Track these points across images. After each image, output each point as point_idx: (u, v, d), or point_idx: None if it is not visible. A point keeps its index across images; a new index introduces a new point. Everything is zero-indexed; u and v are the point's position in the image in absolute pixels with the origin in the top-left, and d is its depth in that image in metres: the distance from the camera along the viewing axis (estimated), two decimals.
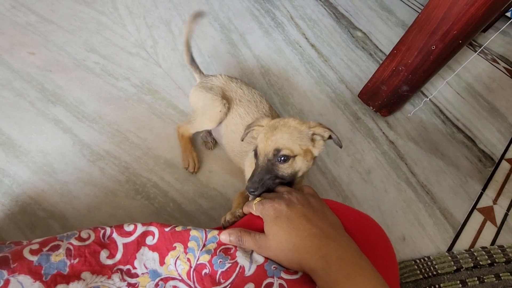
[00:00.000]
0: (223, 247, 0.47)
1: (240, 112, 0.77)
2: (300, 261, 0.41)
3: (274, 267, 0.43)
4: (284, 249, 0.42)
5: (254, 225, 0.49)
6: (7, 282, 0.40)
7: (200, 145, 0.88)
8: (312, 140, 0.58)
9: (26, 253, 0.43)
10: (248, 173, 0.69)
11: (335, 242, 0.41)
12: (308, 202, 0.47)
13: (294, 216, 0.43)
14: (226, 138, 0.79)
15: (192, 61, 0.89)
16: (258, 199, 0.50)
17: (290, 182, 0.58)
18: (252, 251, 0.46)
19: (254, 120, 0.68)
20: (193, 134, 0.85)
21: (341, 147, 0.60)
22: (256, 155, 0.58)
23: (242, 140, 0.68)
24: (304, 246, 0.41)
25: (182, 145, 0.84)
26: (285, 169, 0.55)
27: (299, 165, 0.56)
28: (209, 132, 0.87)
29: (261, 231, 0.46)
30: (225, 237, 0.47)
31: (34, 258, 0.43)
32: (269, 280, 0.42)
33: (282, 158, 0.54)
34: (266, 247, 0.44)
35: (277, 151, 0.54)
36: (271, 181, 0.54)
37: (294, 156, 0.55)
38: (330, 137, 0.59)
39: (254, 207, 0.49)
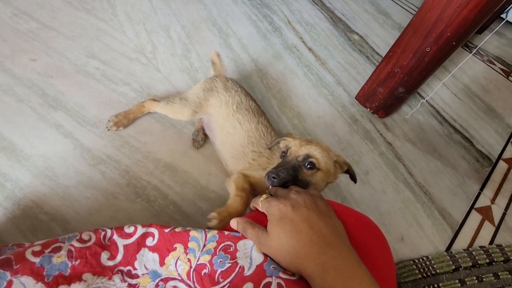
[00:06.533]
0: (222, 245, 0.47)
1: (238, 118, 0.80)
2: (298, 266, 0.42)
3: (273, 267, 0.44)
4: (284, 251, 0.43)
5: (262, 220, 0.50)
6: (10, 283, 0.41)
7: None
8: (334, 167, 0.63)
9: (28, 255, 0.44)
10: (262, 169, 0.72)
11: (335, 250, 0.41)
12: (315, 204, 0.46)
13: (298, 220, 0.43)
14: (221, 140, 0.82)
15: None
16: (264, 196, 0.50)
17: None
18: (252, 249, 0.46)
19: (280, 135, 0.73)
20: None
21: (355, 182, 0.66)
22: (283, 155, 0.63)
23: (269, 149, 0.75)
24: (303, 252, 0.41)
25: (132, 109, 0.88)
26: (306, 176, 0.58)
27: (317, 179, 0.60)
28: (203, 131, 0.89)
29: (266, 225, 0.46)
30: (234, 223, 0.49)
31: (36, 260, 0.44)
32: (267, 279, 0.43)
33: (309, 165, 0.58)
34: (267, 245, 0.44)
35: (307, 156, 0.59)
36: (291, 178, 0.57)
37: (318, 169, 0.59)
38: (347, 171, 0.65)
39: (260, 204, 0.49)
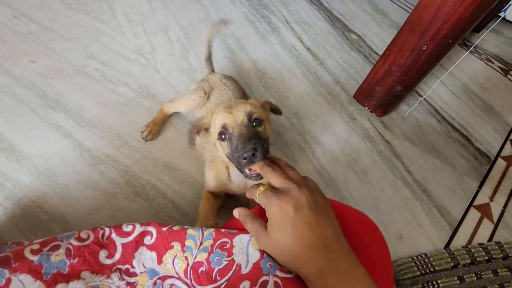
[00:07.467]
0: (219, 242, 0.47)
1: (202, 114, 0.81)
2: (296, 268, 0.42)
3: (269, 264, 0.44)
4: (283, 253, 0.42)
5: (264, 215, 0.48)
6: (8, 281, 0.41)
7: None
8: (265, 110, 0.61)
9: (27, 253, 0.44)
10: (210, 180, 0.69)
11: (334, 254, 0.40)
12: (316, 203, 0.44)
13: (300, 223, 0.42)
14: None
15: (208, 58, 0.96)
16: (261, 188, 0.47)
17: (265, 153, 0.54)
18: (248, 245, 0.46)
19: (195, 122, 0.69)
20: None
21: (281, 113, 0.65)
22: (224, 137, 0.55)
23: (194, 144, 0.67)
24: (303, 257, 0.41)
25: (156, 116, 0.90)
26: (262, 133, 0.54)
27: (269, 130, 0.57)
28: None
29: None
30: (236, 213, 0.49)
31: (34, 258, 0.44)
32: (264, 278, 0.43)
33: (257, 122, 0.54)
34: (265, 243, 0.44)
35: (250, 115, 0.54)
36: (260, 145, 0.50)
37: (262, 121, 0.56)
38: (271, 109, 0.63)
39: (258, 198, 0.47)
